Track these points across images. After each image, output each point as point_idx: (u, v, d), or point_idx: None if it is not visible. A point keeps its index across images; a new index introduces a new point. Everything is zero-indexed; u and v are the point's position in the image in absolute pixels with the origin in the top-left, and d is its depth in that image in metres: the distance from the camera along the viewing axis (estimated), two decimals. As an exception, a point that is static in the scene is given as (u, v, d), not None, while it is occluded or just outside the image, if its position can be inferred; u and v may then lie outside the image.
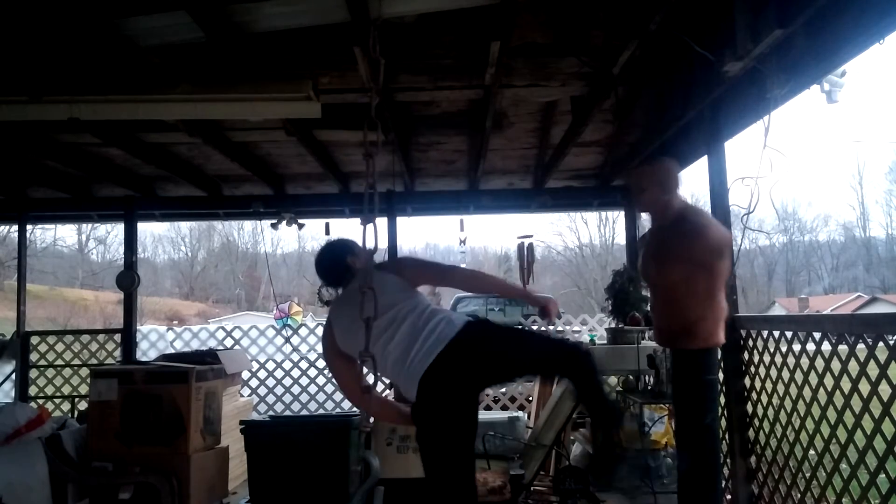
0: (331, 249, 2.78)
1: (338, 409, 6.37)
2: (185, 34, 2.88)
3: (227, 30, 2.88)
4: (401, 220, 5.86)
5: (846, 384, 2.61)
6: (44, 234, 32.78)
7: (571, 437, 5.15)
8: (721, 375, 3.56)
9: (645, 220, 4.23)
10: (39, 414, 3.84)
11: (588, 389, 2.59)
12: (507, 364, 2.54)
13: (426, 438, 2.43)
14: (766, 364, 3.19)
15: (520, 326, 2.78)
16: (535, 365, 2.73)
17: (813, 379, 2.84)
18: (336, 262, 2.71)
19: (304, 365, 6.52)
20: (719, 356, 3.55)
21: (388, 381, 5.32)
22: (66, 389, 6.00)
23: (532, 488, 4.20)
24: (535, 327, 6.84)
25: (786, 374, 3.03)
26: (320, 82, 3.21)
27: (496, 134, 4.34)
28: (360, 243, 2.09)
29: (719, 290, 2.87)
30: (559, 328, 6.91)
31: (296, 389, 6.48)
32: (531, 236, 6.16)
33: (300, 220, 6.01)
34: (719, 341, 2.90)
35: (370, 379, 2.38)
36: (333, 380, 2.87)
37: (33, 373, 5.95)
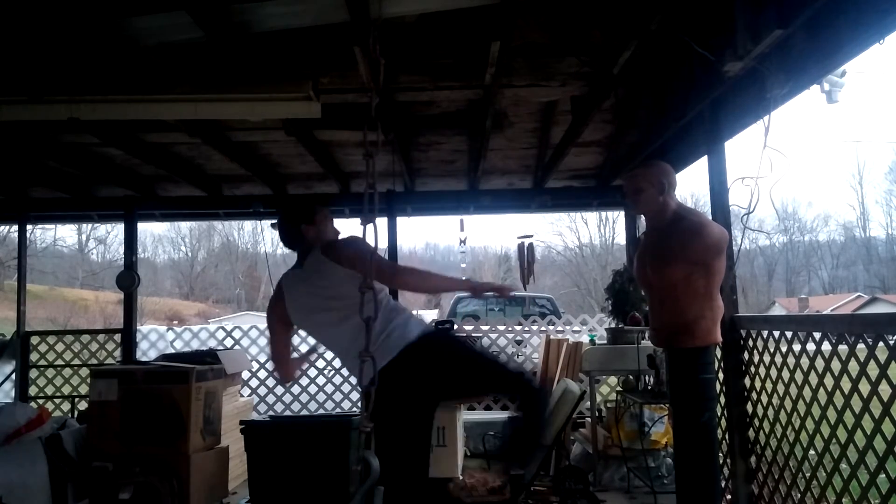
0: (287, 213, 2.74)
1: (338, 409, 6.38)
2: (185, 34, 2.88)
3: (227, 30, 2.88)
4: (401, 220, 5.86)
5: (846, 384, 2.61)
6: (44, 234, 32.78)
7: (571, 437, 5.15)
8: (721, 375, 3.56)
9: (643, 221, 4.24)
10: (39, 414, 3.85)
11: (532, 417, 2.58)
12: (456, 384, 2.51)
13: (379, 438, 2.44)
14: (766, 364, 3.19)
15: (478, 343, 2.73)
16: (486, 389, 2.67)
17: (813, 379, 2.84)
18: (288, 227, 2.69)
19: (303, 365, 6.50)
20: (717, 355, 3.57)
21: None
22: (66, 389, 6.01)
23: (532, 488, 4.20)
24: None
25: (786, 374, 3.03)
26: (320, 82, 3.21)
27: (496, 134, 4.34)
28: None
29: (716, 288, 2.89)
30: (560, 328, 6.91)
31: (296, 389, 6.48)
32: (531, 236, 6.16)
33: (300, 221, 6.01)
34: (716, 339, 2.93)
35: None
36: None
37: (33, 373, 5.95)
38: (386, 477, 2.39)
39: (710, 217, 3.51)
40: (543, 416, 2.62)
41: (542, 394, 2.61)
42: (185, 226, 39.48)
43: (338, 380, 6.41)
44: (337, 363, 6.38)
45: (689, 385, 2.91)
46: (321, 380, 6.48)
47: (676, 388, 2.99)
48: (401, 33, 3.11)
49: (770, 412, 3.17)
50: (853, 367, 2.55)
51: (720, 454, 3.58)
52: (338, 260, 2.51)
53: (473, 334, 5.80)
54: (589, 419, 4.82)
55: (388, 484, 2.37)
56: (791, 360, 3.00)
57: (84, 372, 5.92)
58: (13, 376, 5.81)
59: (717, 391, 3.54)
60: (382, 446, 2.40)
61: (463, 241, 6.61)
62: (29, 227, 6.55)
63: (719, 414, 3.62)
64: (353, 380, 5.57)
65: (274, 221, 5.85)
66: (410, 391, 2.39)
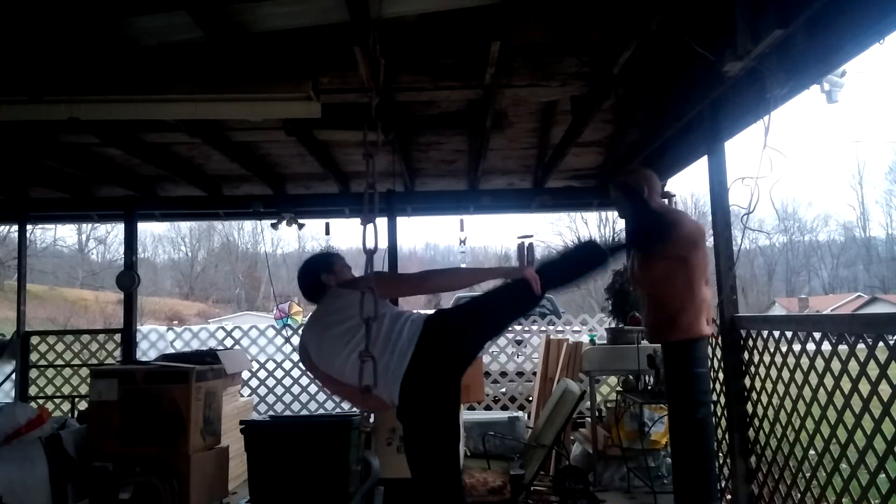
0: (308, 264, 2.84)
1: (338, 409, 6.38)
2: (185, 34, 2.88)
3: (227, 30, 2.88)
4: (401, 220, 5.86)
5: (846, 384, 2.61)
6: (44, 234, 32.77)
7: (571, 437, 5.15)
8: (721, 375, 3.56)
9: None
10: (39, 414, 3.85)
11: (559, 273, 2.72)
12: (479, 332, 2.62)
13: (414, 437, 2.48)
14: (766, 364, 3.20)
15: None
16: (506, 315, 2.74)
17: (813, 379, 2.84)
18: (309, 277, 2.76)
19: (304, 365, 6.51)
20: (712, 351, 3.58)
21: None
22: (66, 389, 6.01)
23: (532, 488, 4.20)
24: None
25: (786, 374, 3.04)
26: (320, 82, 3.21)
27: (496, 134, 4.34)
28: (361, 243, 2.09)
29: (698, 281, 2.93)
30: (560, 328, 6.91)
31: (296, 389, 6.49)
32: (531, 236, 6.14)
33: (300, 220, 6.01)
34: (702, 332, 2.95)
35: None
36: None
37: (33, 373, 5.95)
38: (421, 480, 2.46)
39: (711, 217, 3.53)
40: (554, 263, 2.76)
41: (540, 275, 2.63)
42: (185, 226, 39.52)
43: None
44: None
45: (682, 379, 2.95)
46: (321, 380, 6.47)
47: (670, 383, 3.04)
48: (401, 33, 3.11)
49: (770, 412, 3.17)
50: (853, 367, 2.56)
51: (720, 454, 3.58)
52: (356, 287, 2.50)
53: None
54: (589, 419, 4.82)
55: (422, 487, 2.45)
56: (791, 360, 3.00)
57: (84, 372, 5.92)
58: (13, 376, 5.81)
59: (712, 387, 3.55)
60: (421, 432, 2.47)
61: (463, 241, 6.61)
62: (29, 227, 6.54)
63: (719, 414, 3.62)
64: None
65: (274, 221, 5.92)
66: (441, 375, 2.47)
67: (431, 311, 2.64)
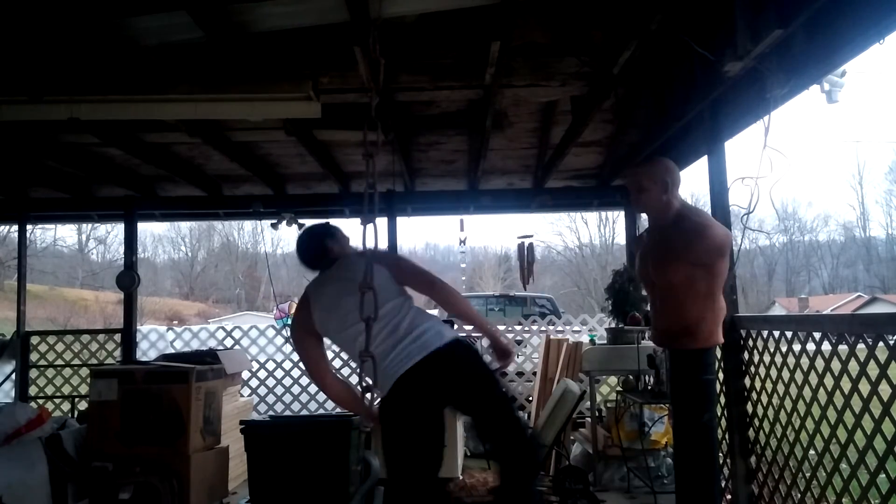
0: (310, 232, 2.82)
1: (338, 410, 6.37)
2: (185, 34, 2.88)
3: (227, 30, 2.88)
4: (401, 220, 5.86)
5: (846, 384, 2.61)
6: (44, 234, 32.78)
7: (571, 437, 5.15)
8: (721, 375, 3.56)
9: (645, 219, 4.25)
10: (39, 414, 3.85)
11: (513, 484, 2.49)
12: (471, 397, 2.51)
13: (390, 437, 2.46)
14: (766, 364, 3.19)
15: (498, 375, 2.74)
16: (488, 417, 2.56)
17: (813, 379, 2.84)
18: (313, 245, 2.74)
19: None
20: (718, 356, 3.56)
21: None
22: (66, 389, 6.01)
23: (532, 488, 4.19)
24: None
25: (786, 374, 3.03)
26: (320, 82, 3.21)
27: (496, 134, 4.34)
28: (361, 243, 2.09)
29: (719, 289, 2.87)
30: (560, 328, 6.91)
31: (296, 389, 6.48)
32: (531, 236, 6.17)
33: (300, 220, 6.01)
34: (718, 341, 2.91)
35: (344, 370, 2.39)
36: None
37: (33, 373, 5.95)
38: (393, 480, 2.43)
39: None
40: (530, 485, 2.53)
41: (536, 461, 2.56)
42: (185, 226, 39.52)
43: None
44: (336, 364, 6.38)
45: (690, 386, 2.90)
46: (321, 380, 6.46)
47: (677, 389, 2.98)
48: (401, 33, 3.11)
49: (770, 412, 3.17)
50: (853, 367, 2.55)
51: (720, 454, 3.58)
52: (391, 268, 2.52)
53: (473, 334, 5.79)
54: (589, 419, 4.81)
55: (394, 487, 2.41)
56: (791, 360, 3.00)
57: (84, 372, 5.92)
58: (13, 376, 5.81)
59: (718, 391, 3.54)
60: (395, 443, 2.43)
61: (463, 241, 6.62)
62: (29, 227, 6.55)
63: (719, 414, 3.62)
64: (355, 378, 5.61)
65: (274, 221, 5.92)
66: (431, 394, 2.43)
67: (459, 338, 2.57)
